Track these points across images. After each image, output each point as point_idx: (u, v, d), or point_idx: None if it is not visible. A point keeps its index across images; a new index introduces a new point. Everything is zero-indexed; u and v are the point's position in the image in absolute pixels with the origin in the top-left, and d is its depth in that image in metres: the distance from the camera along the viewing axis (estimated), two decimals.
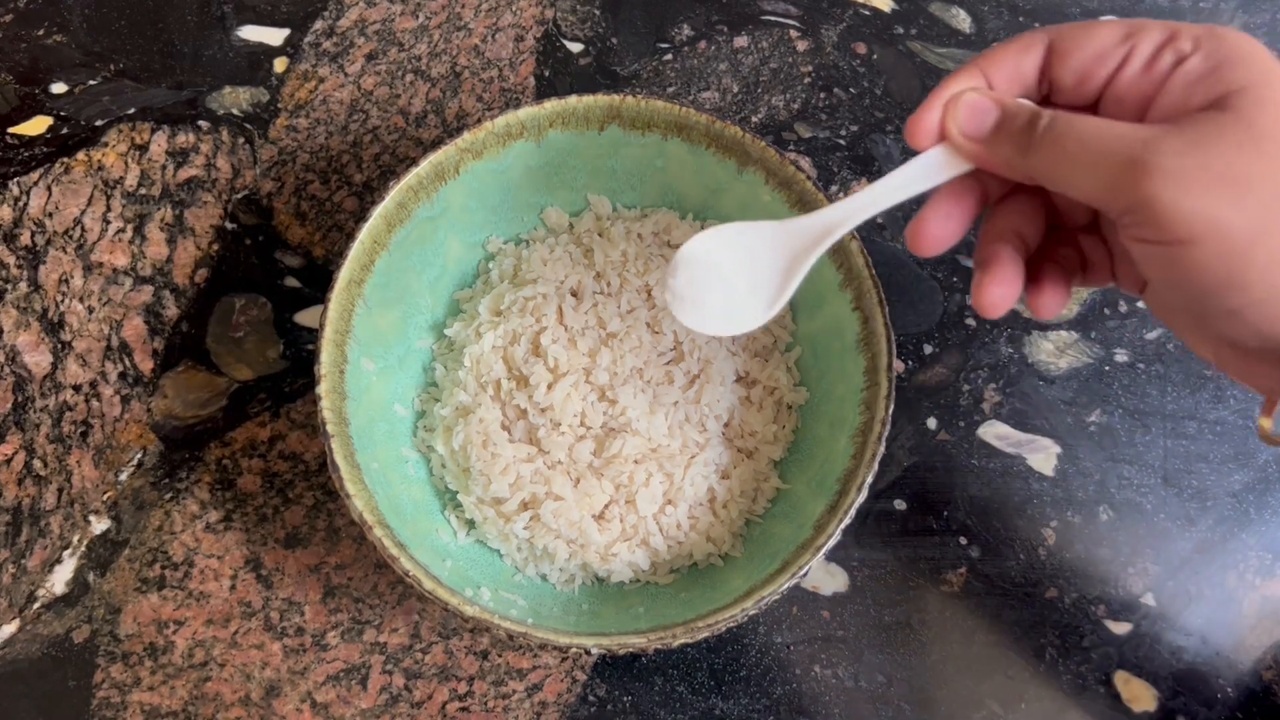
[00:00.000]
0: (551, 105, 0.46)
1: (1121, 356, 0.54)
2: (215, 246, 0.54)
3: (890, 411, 0.42)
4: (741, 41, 0.61)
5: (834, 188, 0.57)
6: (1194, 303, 0.28)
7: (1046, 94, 0.33)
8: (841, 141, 0.58)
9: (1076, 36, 0.31)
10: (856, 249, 0.44)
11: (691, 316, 0.35)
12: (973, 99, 0.32)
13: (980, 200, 0.34)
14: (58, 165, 0.55)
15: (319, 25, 0.60)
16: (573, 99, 0.46)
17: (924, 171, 0.32)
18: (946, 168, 0.32)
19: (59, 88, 0.58)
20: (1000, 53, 0.32)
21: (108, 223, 0.54)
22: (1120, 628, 0.49)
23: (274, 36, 0.60)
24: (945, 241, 0.33)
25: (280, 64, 0.59)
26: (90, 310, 0.53)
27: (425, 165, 0.45)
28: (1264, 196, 0.26)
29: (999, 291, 0.33)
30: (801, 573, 0.40)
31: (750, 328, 0.36)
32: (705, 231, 0.36)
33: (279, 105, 0.58)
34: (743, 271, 0.35)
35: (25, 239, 0.54)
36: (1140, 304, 0.55)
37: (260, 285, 0.54)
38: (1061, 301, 0.35)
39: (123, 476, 0.50)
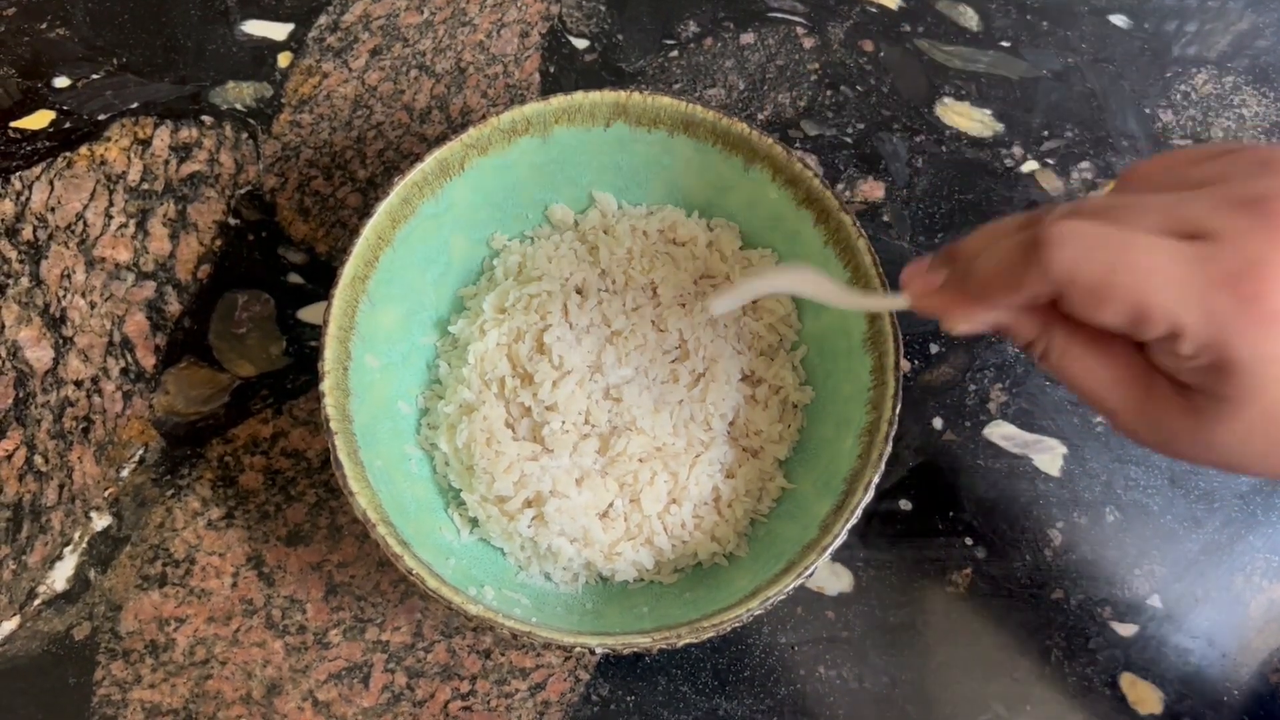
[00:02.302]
0: (557, 101, 0.46)
1: None
2: (218, 242, 0.54)
3: (897, 411, 0.41)
4: (748, 38, 0.61)
5: (840, 185, 0.57)
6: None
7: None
8: (848, 139, 0.58)
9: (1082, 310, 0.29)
10: (864, 248, 0.43)
11: None
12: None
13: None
14: (60, 160, 0.55)
15: (323, 20, 0.60)
16: (579, 95, 0.46)
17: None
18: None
19: (61, 82, 0.57)
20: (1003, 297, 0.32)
21: (110, 218, 0.54)
22: (1126, 630, 0.48)
23: (278, 31, 0.60)
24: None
25: (284, 59, 0.59)
26: (92, 306, 0.52)
27: (430, 161, 0.44)
28: None
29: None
30: (807, 573, 0.39)
31: None
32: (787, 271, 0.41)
33: (283, 100, 0.58)
34: None
35: (27, 234, 0.54)
36: None
37: (263, 281, 0.53)
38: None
39: (124, 473, 0.49)
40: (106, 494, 0.49)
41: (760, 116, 0.59)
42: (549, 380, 0.45)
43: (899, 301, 0.36)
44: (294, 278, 0.54)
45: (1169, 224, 0.28)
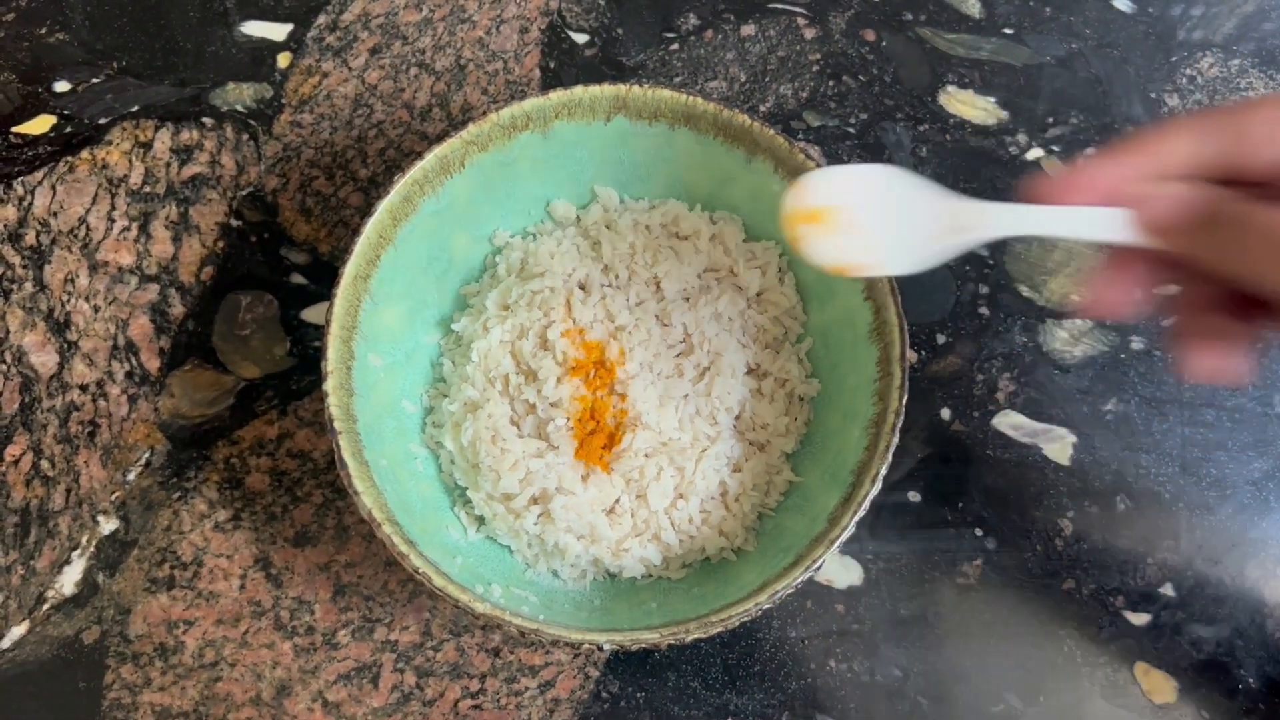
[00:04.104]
0: (557, 96, 0.45)
1: (1137, 344, 0.53)
2: (221, 244, 0.54)
3: (904, 402, 0.41)
4: (749, 30, 0.61)
5: None
6: None
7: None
8: (851, 130, 0.58)
9: (1269, 137, 0.29)
10: None
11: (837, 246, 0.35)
12: (1172, 194, 0.31)
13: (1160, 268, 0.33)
14: (62, 164, 0.55)
15: (322, 20, 0.60)
16: (578, 89, 0.46)
17: (1105, 224, 0.32)
18: (1127, 232, 0.32)
19: (62, 86, 0.57)
20: (1171, 141, 0.31)
21: (112, 221, 0.54)
22: (1139, 619, 0.48)
23: (277, 32, 0.59)
24: (1126, 309, 0.34)
25: (284, 59, 0.59)
26: (96, 309, 0.52)
27: (430, 158, 0.44)
28: None
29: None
30: (815, 566, 0.39)
31: (895, 271, 0.35)
32: (853, 167, 0.35)
33: (283, 101, 0.58)
34: (890, 218, 0.34)
35: (30, 239, 0.54)
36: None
37: (266, 282, 0.53)
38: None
39: (130, 476, 0.49)
40: (113, 497, 0.49)
41: (762, 108, 0.58)
42: (553, 376, 0.45)
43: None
44: (297, 278, 0.54)
45: None
